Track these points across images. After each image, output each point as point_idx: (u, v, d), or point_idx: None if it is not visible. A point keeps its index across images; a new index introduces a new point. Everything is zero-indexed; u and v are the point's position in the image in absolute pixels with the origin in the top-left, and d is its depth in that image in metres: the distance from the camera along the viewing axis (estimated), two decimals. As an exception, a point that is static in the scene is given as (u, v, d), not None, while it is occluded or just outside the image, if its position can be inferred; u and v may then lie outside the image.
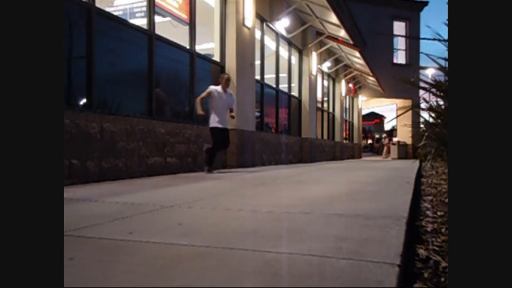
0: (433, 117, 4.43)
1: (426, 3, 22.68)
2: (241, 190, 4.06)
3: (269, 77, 10.35)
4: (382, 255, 1.50)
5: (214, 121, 6.24)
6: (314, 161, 13.08)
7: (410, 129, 15.37)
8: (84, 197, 3.27)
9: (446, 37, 2.63)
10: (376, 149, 33.96)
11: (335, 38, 12.93)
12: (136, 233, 1.94)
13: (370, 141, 39.52)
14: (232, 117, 6.58)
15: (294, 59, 12.40)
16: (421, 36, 29.97)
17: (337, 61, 16.24)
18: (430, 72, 4.51)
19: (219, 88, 6.32)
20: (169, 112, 6.72)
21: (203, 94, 6.27)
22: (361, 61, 15.09)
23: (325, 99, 16.19)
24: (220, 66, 7.88)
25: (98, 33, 4.96)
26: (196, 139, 6.83)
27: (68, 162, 4.36)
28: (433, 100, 4.21)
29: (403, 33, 22.36)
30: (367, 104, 25.54)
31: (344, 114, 18.77)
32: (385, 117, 34.87)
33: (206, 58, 7.76)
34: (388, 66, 21.22)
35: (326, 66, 15.46)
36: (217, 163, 7.41)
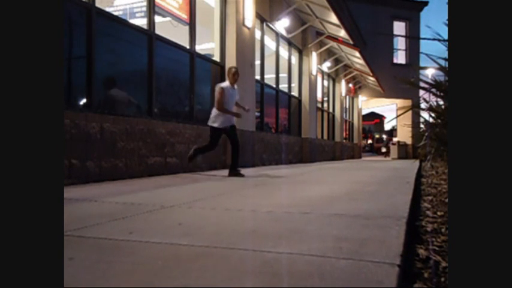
0: (433, 117, 4.43)
1: (426, 3, 22.68)
2: (241, 190, 4.06)
3: (269, 77, 10.34)
4: (382, 255, 1.50)
5: (219, 121, 5.68)
6: (314, 161, 13.07)
7: (410, 129, 15.38)
8: (84, 197, 3.27)
9: (446, 37, 2.63)
10: (376, 149, 33.99)
11: (335, 38, 12.93)
12: (136, 233, 1.94)
13: (370, 141, 39.52)
14: (247, 110, 6.12)
15: (294, 59, 12.40)
16: (421, 36, 29.97)
17: (337, 61, 16.23)
18: (430, 72, 4.51)
19: (227, 84, 5.79)
20: (131, 109, 5.94)
21: (219, 97, 5.63)
22: (361, 61, 15.09)
23: (325, 99, 16.19)
24: (220, 66, 7.88)
25: (98, 33, 4.96)
26: (196, 139, 6.83)
27: (68, 162, 4.35)
28: (433, 100, 4.21)
29: (403, 33, 22.36)
30: (367, 104, 25.54)
31: (344, 114, 18.76)
32: (385, 117, 34.88)
33: (206, 58, 7.76)
34: (388, 66, 21.22)
35: (326, 66, 15.45)
36: (217, 163, 7.42)
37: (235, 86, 5.97)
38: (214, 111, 5.79)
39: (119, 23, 5.61)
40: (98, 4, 4.99)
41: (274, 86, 10.66)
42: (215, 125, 5.73)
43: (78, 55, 4.93)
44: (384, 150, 25.96)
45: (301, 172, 7.18)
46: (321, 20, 11.35)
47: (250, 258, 1.51)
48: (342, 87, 17.71)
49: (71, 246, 1.65)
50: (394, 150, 21.93)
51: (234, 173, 5.75)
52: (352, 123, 21.62)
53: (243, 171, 5.92)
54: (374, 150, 35.22)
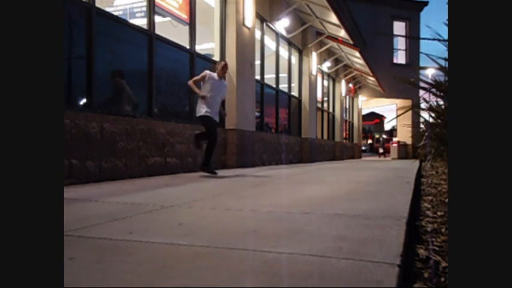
0: (433, 117, 4.43)
1: (426, 3, 22.69)
2: (241, 190, 4.06)
3: (269, 77, 10.34)
4: (382, 255, 1.50)
5: (203, 109, 5.44)
6: (314, 161, 13.07)
7: (410, 129, 15.37)
8: (84, 197, 3.27)
9: (446, 37, 2.63)
10: (375, 149, 34.02)
11: (335, 38, 12.93)
12: (136, 233, 1.94)
13: (370, 141, 39.56)
14: (225, 114, 5.94)
15: (294, 59, 12.40)
16: (421, 36, 29.98)
17: (337, 61, 16.23)
18: (430, 72, 4.51)
19: (214, 75, 5.61)
20: (130, 103, 5.86)
21: (197, 77, 5.63)
22: (361, 61, 15.09)
23: (325, 99, 16.19)
24: (220, 66, 7.88)
25: (98, 33, 4.96)
26: (196, 139, 6.82)
27: (68, 162, 4.35)
28: (433, 100, 4.21)
29: (403, 33, 22.36)
30: (367, 104, 25.55)
31: (344, 114, 18.76)
32: (385, 117, 34.91)
33: (206, 58, 7.76)
34: (388, 66, 21.22)
35: (326, 66, 15.45)
36: (217, 163, 7.41)
37: (225, 82, 5.87)
38: (197, 103, 5.60)
39: (119, 23, 5.61)
40: (98, 4, 5.00)
41: (274, 86, 10.67)
42: (201, 113, 5.49)
43: (78, 55, 4.93)
44: (381, 150, 25.97)
45: (301, 172, 7.19)
46: (321, 20, 11.35)
47: (251, 258, 1.51)
48: (342, 87, 17.71)
49: (71, 246, 1.65)
50: (394, 150, 21.94)
51: (206, 169, 5.56)
52: (352, 123, 21.62)
53: (243, 171, 5.91)
54: (374, 150, 35.24)
